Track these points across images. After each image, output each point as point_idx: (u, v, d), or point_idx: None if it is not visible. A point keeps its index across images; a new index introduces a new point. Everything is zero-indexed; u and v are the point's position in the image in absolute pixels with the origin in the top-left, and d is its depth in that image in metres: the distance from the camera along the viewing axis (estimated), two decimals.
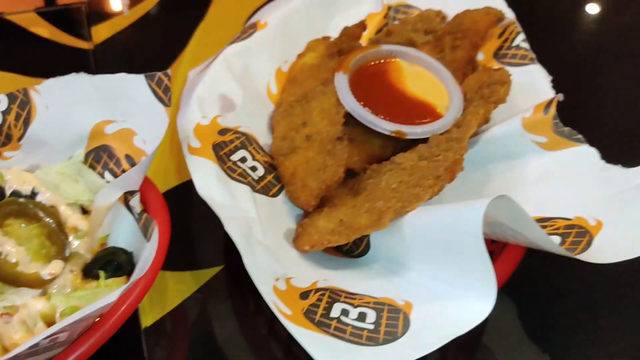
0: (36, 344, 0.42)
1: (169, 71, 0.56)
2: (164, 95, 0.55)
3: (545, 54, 0.74)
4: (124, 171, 0.57)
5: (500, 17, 0.75)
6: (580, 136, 0.60)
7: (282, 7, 0.77)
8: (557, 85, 0.69)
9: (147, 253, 0.50)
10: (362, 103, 0.65)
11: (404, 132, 0.63)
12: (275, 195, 0.63)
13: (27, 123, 0.57)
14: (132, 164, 0.57)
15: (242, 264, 0.53)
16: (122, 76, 0.56)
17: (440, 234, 0.51)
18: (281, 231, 0.61)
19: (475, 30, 0.73)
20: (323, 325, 0.50)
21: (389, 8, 0.83)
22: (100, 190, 0.54)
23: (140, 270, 0.49)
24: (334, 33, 0.77)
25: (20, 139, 0.58)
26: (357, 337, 0.49)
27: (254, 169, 0.63)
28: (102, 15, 0.89)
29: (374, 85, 0.69)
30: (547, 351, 0.61)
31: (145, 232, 0.52)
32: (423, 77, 0.70)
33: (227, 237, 0.55)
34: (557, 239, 0.54)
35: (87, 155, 0.59)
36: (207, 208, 0.56)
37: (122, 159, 0.57)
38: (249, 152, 0.64)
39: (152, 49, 0.87)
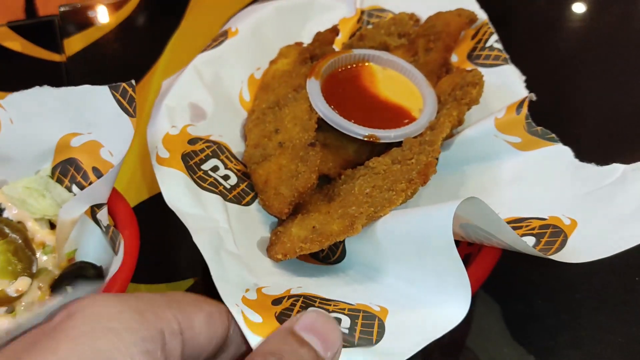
0: None
1: (132, 81, 0.54)
2: (129, 105, 0.53)
3: (526, 54, 0.74)
4: (91, 184, 0.55)
5: (472, 18, 0.74)
6: (553, 135, 0.59)
7: (254, 14, 0.76)
8: (537, 85, 0.69)
9: (114, 266, 0.49)
10: (334, 108, 0.64)
11: (377, 136, 0.62)
12: (248, 203, 0.62)
13: None
14: (99, 176, 0.55)
15: None
16: (86, 88, 0.55)
17: (412, 238, 0.50)
18: (255, 240, 0.60)
19: (447, 32, 0.73)
20: None
21: (362, 12, 0.82)
22: (64, 204, 0.53)
23: (107, 284, 0.48)
24: (307, 39, 0.76)
25: None
26: None
27: (226, 177, 0.62)
28: (74, 27, 0.88)
29: (347, 90, 0.68)
30: (530, 352, 0.61)
31: (114, 245, 0.51)
32: (396, 80, 0.69)
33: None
34: (532, 240, 0.53)
35: (54, 169, 0.57)
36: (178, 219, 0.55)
37: (89, 171, 0.56)
38: (221, 160, 0.63)
39: (125, 60, 0.86)
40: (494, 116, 0.61)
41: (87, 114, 0.56)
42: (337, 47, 0.76)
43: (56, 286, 0.52)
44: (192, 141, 0.62)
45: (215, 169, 0.62)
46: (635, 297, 0.65)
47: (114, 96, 0.54)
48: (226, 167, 0.62)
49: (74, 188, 0.57)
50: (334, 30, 0.75)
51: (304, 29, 0.79)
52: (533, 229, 0.54)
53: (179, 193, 0.56)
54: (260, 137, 0.65)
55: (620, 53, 0.90)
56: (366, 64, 0.70)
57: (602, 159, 0.58)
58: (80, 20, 0.89)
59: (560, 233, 0.52)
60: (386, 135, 0.62)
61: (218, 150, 0.63)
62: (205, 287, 0.61)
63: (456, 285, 0.47)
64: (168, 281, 0.62)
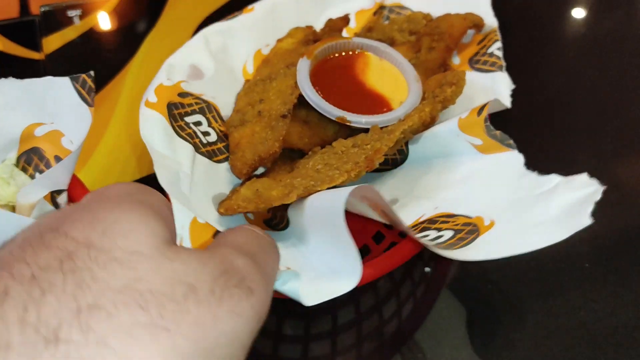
0: None
1: (92, 72, 0.64)
2: (88, 95, 0.63)
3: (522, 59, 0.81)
4: None
5: (477, 23, 0.83)
6: (511, 141, 0.66)
7: None
8: (531, 86, 0.76)
9: None
10: (317, 88, 0.74)
11: (347, 119, 0.71)
12: (219, 162, 0.73)
13: None
14: None
15: None
16: (48, 79, 0.65)
17: (321, 214, 0.58)
18: (211, 194, 0.70)
19: (450, 33, 0.82)
20: None
21: (383, 7, 0.93)
22: (22, 188, 0.61)
23: None
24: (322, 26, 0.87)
25: None
26: None
27: (206, 134, 0.73)
28: (54, 26, 1.01)
29: (336, 74, 0.77)
30: (475, 334, 0.70)
31: None
32: (388, 72, 0.79)
33: None
34: (450, 233, 0.61)
35: (19, 158, 0.67)
36: None
37: (52, 160, 0.65)
38: (207, 118, 0.74)
39: (102, 57, 0.99)
40: (459, 116, 0.69)
41: (50, 104, 0.65)
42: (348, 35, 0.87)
43: None
44: (183, 95, 0.73)
45: (198, 123, 0.73)
46: (584, 283, 0.73)
47: (74, 86, 0.64)
48: (209, 125, 0.74)
49: (37, 176, 0.66)
50: (345, 19, 0.86)
51: (321, 16, 0.91)
52: (457, 224, 0.63)
53: (155, 132, 0.67)
54: (245, 104, 0.76)
55: (619, 58, 1.00)
56: (362, 52, 0.80)
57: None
58: (60, 19, 1.02)
59: (475, 232, 0.61)
60: (357, 120, 0.72)
61: (206, 108, 0.75)
62: None
63: (348, 260, 0.55)
64: None
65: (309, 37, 0.84)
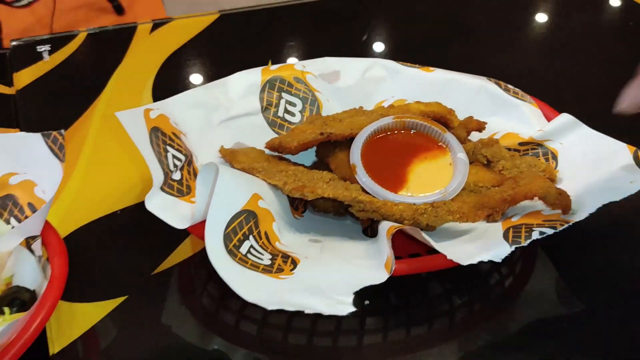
0: None
1: (62, 131, 0.68)
2: (59, 151, 0.68)
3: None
4: (27, 217, 0.69)
5: (552, 202, 0.69)
6: None
7: None
8: None
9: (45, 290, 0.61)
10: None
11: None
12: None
13: None
14: (34, 210, 0.69)
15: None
16: (22, 135, 0.71)
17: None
18: None
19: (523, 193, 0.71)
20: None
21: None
22: (2, 236, 0.66)
23: (35, 306, 0.59)
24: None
25: None
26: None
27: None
28: (24, 61, 1.04)
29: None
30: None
31: (45, 272, 0.64)
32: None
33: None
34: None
35: None
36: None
37: (25, 206, 0.70)
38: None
39: (70, 93, 1.00)
40: None
41: (23, 156, 0.71)
42: None
43: None
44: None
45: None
46: None
47: (46, 142, 0.69)
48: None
49: (12, 220, 0.71)
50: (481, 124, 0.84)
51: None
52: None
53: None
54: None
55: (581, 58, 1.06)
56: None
57: None
58: (30, 54, 1.05)
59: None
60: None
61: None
62: (135, 304, 0.70)
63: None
64: (101, 299, 0.70)
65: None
